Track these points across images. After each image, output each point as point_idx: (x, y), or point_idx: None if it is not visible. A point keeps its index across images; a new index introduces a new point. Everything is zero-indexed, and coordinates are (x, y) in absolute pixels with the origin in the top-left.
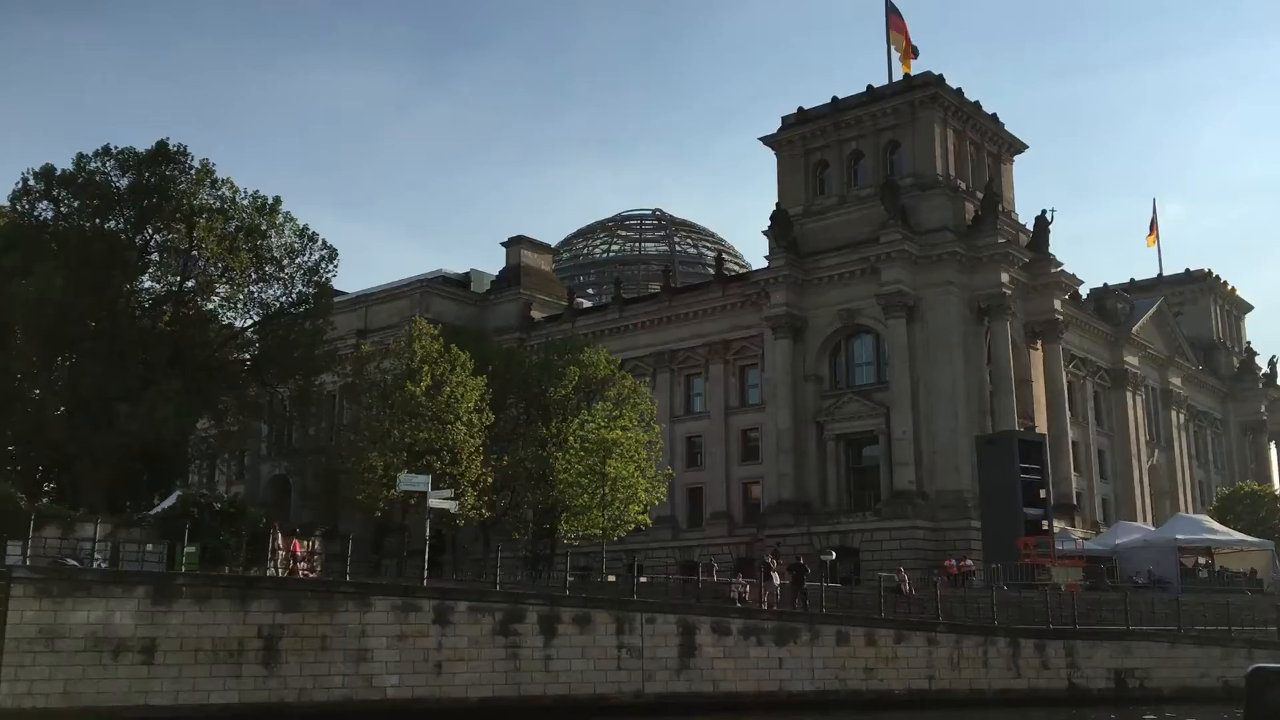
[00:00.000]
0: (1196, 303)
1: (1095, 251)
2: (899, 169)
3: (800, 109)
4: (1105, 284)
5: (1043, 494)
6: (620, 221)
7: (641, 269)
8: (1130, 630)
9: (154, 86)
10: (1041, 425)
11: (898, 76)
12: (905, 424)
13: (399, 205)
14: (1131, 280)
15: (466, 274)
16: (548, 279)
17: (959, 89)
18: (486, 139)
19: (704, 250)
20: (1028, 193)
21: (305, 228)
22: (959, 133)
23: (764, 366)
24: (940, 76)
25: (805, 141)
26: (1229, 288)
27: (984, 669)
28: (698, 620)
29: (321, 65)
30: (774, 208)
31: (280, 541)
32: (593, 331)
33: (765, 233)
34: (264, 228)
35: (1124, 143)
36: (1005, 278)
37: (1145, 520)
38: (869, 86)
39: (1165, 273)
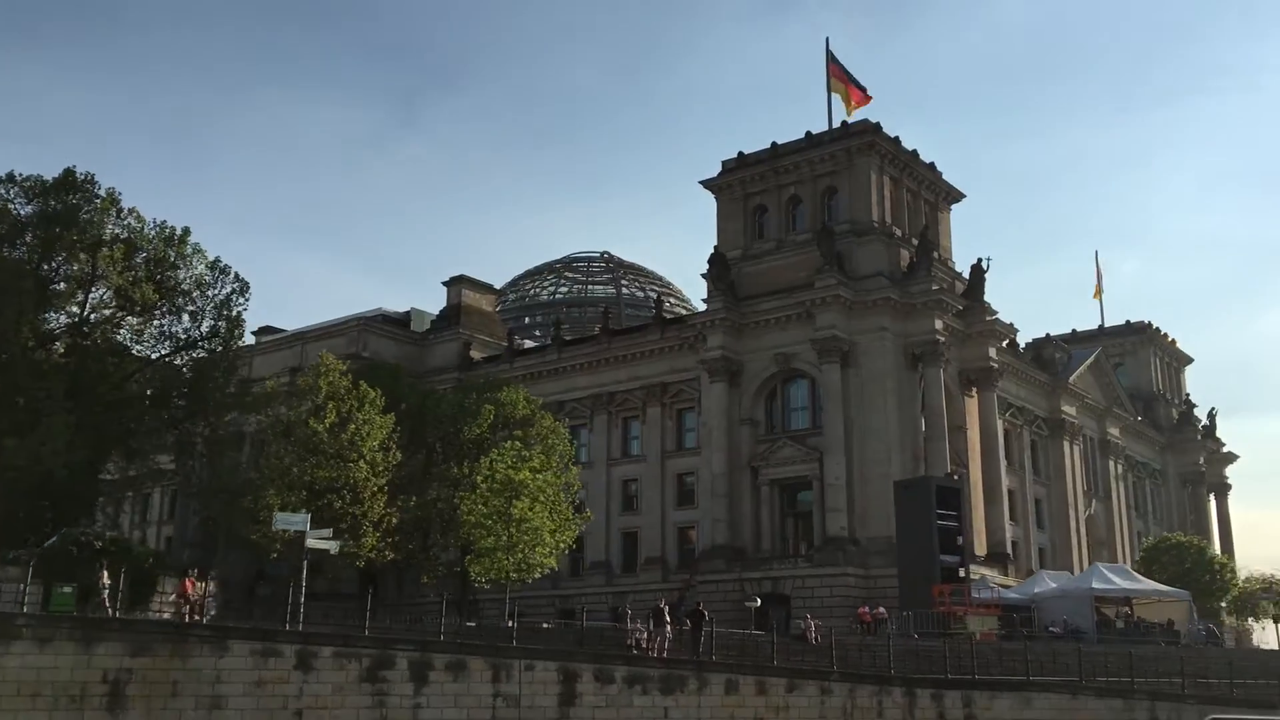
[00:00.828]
0: (1136, 354)
1: (1055, 306)
2: (836, 215)
3: (740, 154)
4: (1048, 334)
5: (960, 540)
6: (568, 264)
7: (589, 311)
8: (1030, 681)
9: (122, 113)
10: (976, 472)
11: (844, 123)
12: (838, 469)
13: (362, 241)
14: (1073, 331)
15: (407, 313)
16: (489, 319)
17: (896, 137)
18: (455, 179)
19: (651, 293)
20: (988, 246)
21: (217, 260)
22: (896, 180)
23: (700, 410)
24: (877, 125)
25: (744, 186)
26: (1169, 340)
27: (879, 719)
28: (580, 667)
29: (296, 101)
30: (712, 251)
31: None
32: (532, 373)
33: (704, 276)
34: (172, 259)
35: (1081, 197)
36: (939, 324)
37: (1082, 570)
38: (807, 133)
39: (1111, 325)
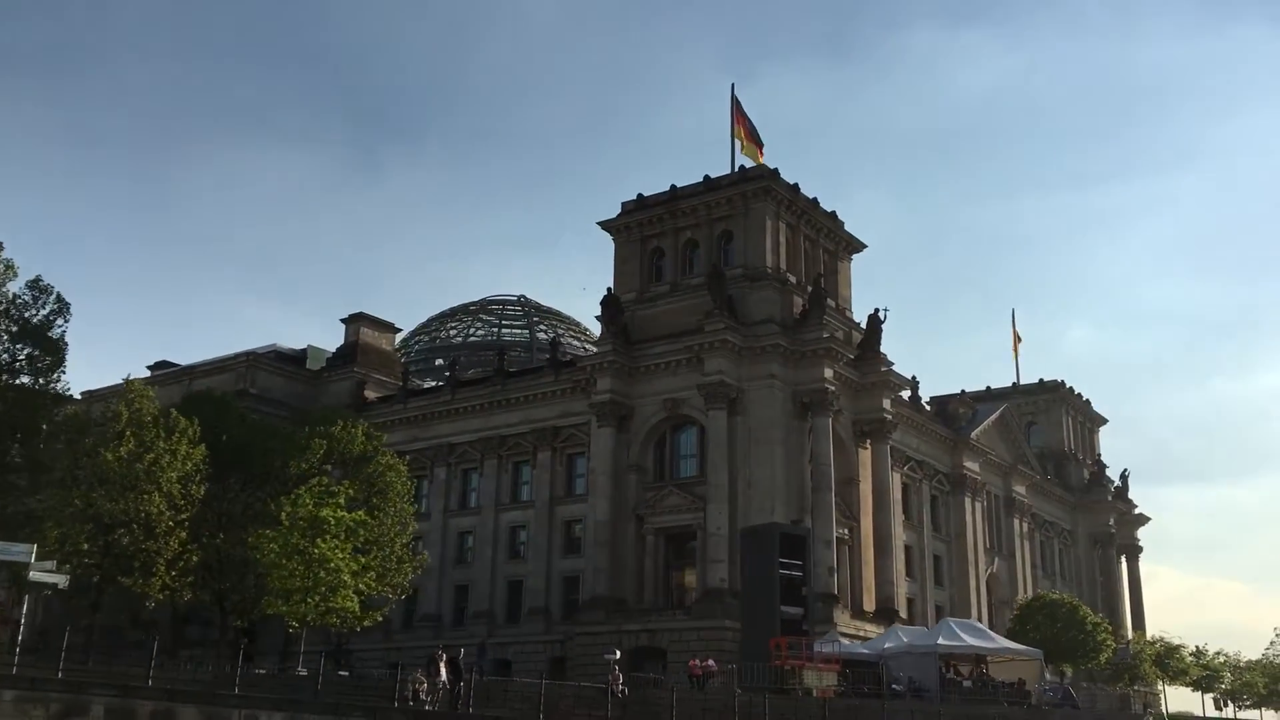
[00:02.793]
0: (1049, 413)
1: (998, 369)
2: (731, 260)
3: (640, 195)
4: (962, 390)
5: (804, 591)
6: (484, 306)
7: (506, 355)
8: None
9: (82, 154)
10: (867, 525)
11: (741, 168)
12: (721, 519)
13: (306, 286)
14: (988, 388)
15: (303, 350)
16: (388, 359)
17: (795, 184)
18: (403, 226)
19: (563, 338)
20: (938, 306)
21: (38, 279)
22: (793, 227)
23: (590, 455)
24: (774, 170)
25: (642, 228)
26: (1083, 399)
27: None
28: (311, 719)
29: (252, 149)
30: (606, 292)
31: None
32: (425, 414)
33: (597, 318)
34: None
35: (1041, 266)
36: (829, 373)
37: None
38: (706, 176)
39: (1025, 383)
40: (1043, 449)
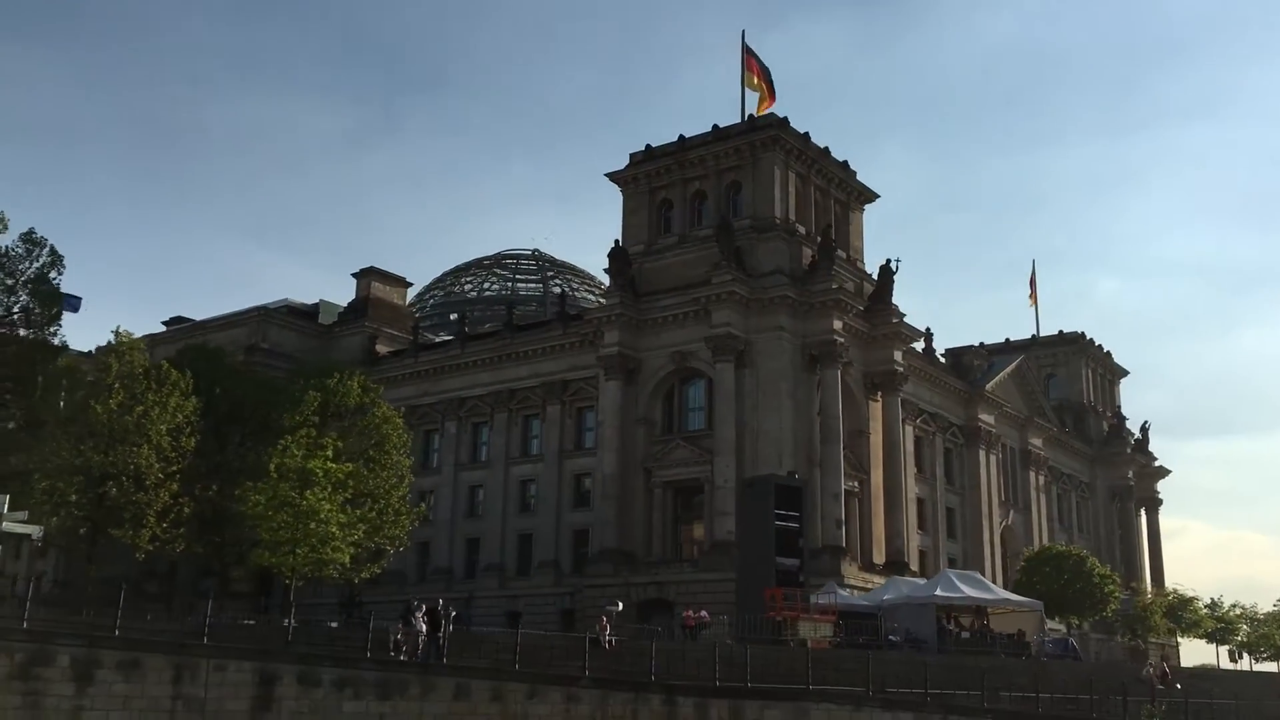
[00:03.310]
0: (1068, 365)
1: (1022, 325)
2: (739, 211)
3: (648, 146)
4: (980, 343)
5: (800, 543)
6: (498, 260)
7: (521, 309)
8: (810, 690)
9: (98, 112)
10: (877, 478)
11: (750, 118)
12: (728, 472)
13: (322, 239)
14: (1006, 340)
15: (316, 304)
16: (399, 313)
17: (805, 133)
18: (420, 181)
19: (584, 293)
20: (961, 260)
21: (30, 232)
22: (803, 177)
23: (598, 409)
24: (784, 119)
25: (650, 180)
26: (1103, 351)
27: None
28: (280, 668)
29: (274, 102)
30: (613, 245)
31: None
32: (435, 368)
33: (605, 271)
34: None
35: (1069, 218)
36: (838, 325)
37: (997, 582)
38: (714, 126)
39: (1045, 335)
40: (1062, 401)
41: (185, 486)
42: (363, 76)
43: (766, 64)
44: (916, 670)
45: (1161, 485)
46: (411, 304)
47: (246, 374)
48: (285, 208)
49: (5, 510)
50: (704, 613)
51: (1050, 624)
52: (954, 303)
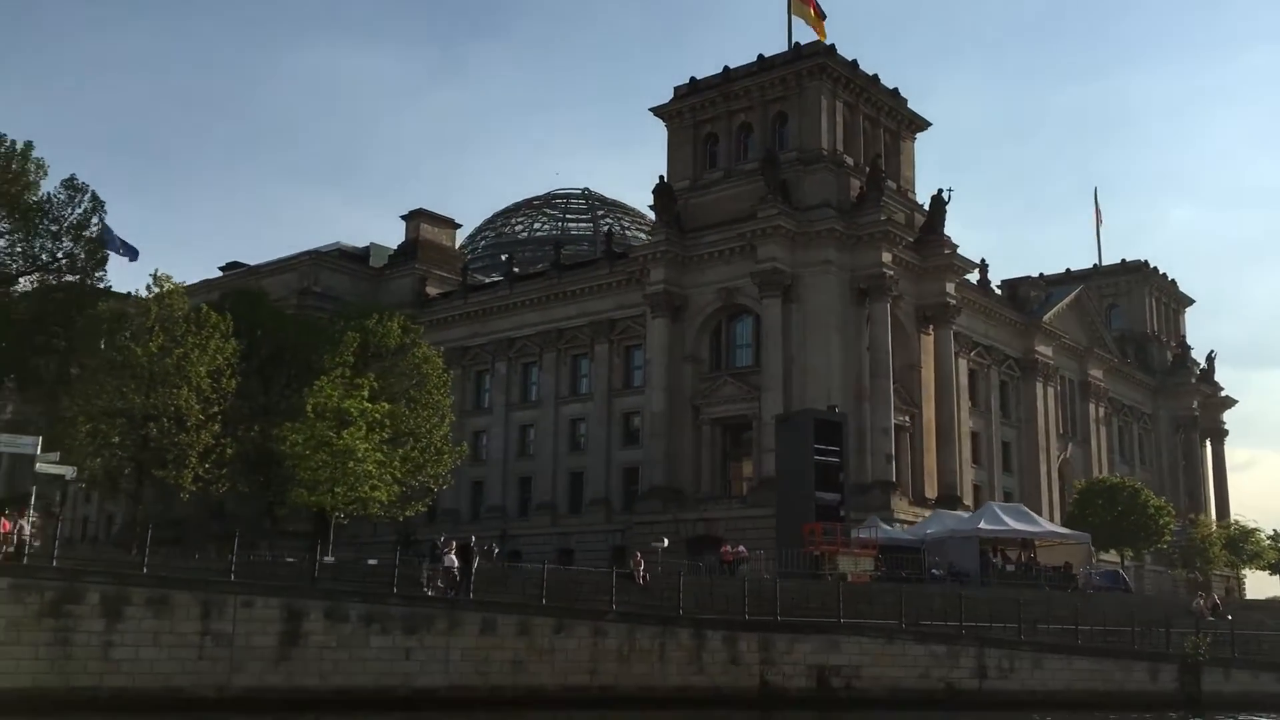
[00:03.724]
0: (1131, 295)
1: (1088, 255)
2: (786, 143)
3: (692, 79)
4: (1040, 274)
5: (841, 477)
6: (548, 200)
7: (571, 248)
8: (841, 624)
9: (156, 60)
10: (930, 413)
11: (796, 46)
12: (775, 408)
13: (380, 184)
14: (1067, 270)
15: (366, 247)
16: (449, 254)
17: (853, 60)
18: (489, 125)
19: (636, 232)
20: (1025, 191)
21: (72, 178)
22: (851, 106)
23: (646, 347)
24: (831, 46)
25: (695, 113)
26: (1168, 280)
27: (660, 664)
28: (307, 605)
29: (331, 48)
30: (658, 181)
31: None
32: (484, 309)
33: (650, 208)
34: (29, 175)
35: (1142, 145)
36: (887, 257)
37: (1053, 516)
38: (760, 56)
39: (1108, 264)
40: (1124, 332)
41: (228, 428)
42: (417, 24)
43: None
44: (955, 604)
45: (1233, 417)
46: (463, 246)
47: (289, 317)
48: (346, 153)
49: (39, 452)
50: (741, 548)
51: (1104, 557)
52: (1019, 234)
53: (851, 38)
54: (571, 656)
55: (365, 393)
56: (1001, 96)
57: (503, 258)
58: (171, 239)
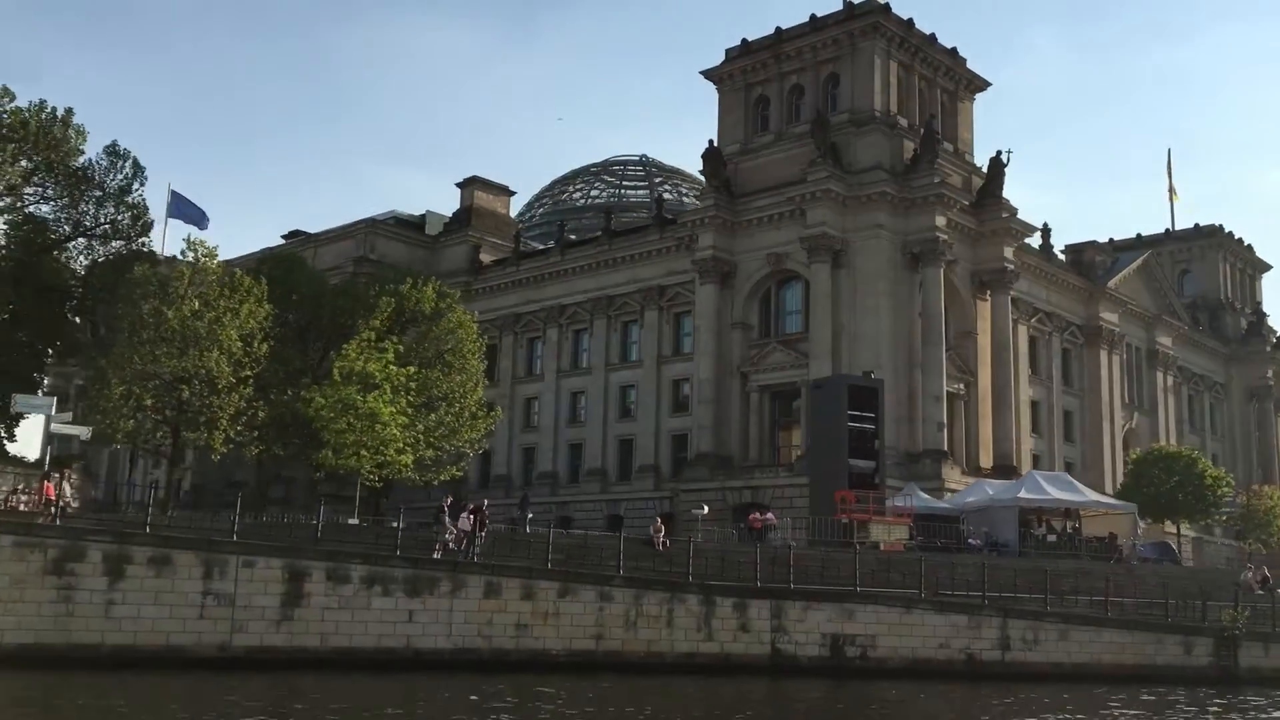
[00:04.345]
0: (1204, 260)
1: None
2: (839, 105)
3: (744, 40)
4: (1110, 239)
5: (876, 444)
6: (605, 167)
7: (624, 216)
8: (857, 592)
9: (229, 27)
10: (986, 380)
11: (849, 3)
12: (824, 375)
13: (452, 156)
14: (1138, 236)
15: (423, 215)
16: (503, 222)
17: (909, 19)
18: (566, 92)
19: (685, 197)
20: (1108, 153)
21: (114, 144)
22: (906, 66)
23: (695, 313)
24: (885, 4)
25: (746, 75)
26: (1244, 245)
27: (667, 629)
28: (309, 565)
29: (403, 22)
30: (707, 145)
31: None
32: (536, 275)
33: (700, 172)
34: (72, 141)
35: (1228, 106)
36: (941, 221)
37: (1114, 486)
38: (812, 15)
39: (1181, 229)
40: (1196, 298)
41: (261, 391)
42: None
43: None
44: (988, 573)
45: None
46: (520, 214)
47: (325, 281)
48: (415, 123)
49: (54, 412)
50: (770, 515)
51: (1163, 527)
52: (1095, 200)
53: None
54: (577, 621)
55: (390, 356)
56: (1084, 59)
57: (560, 225)
58: (243, 206)
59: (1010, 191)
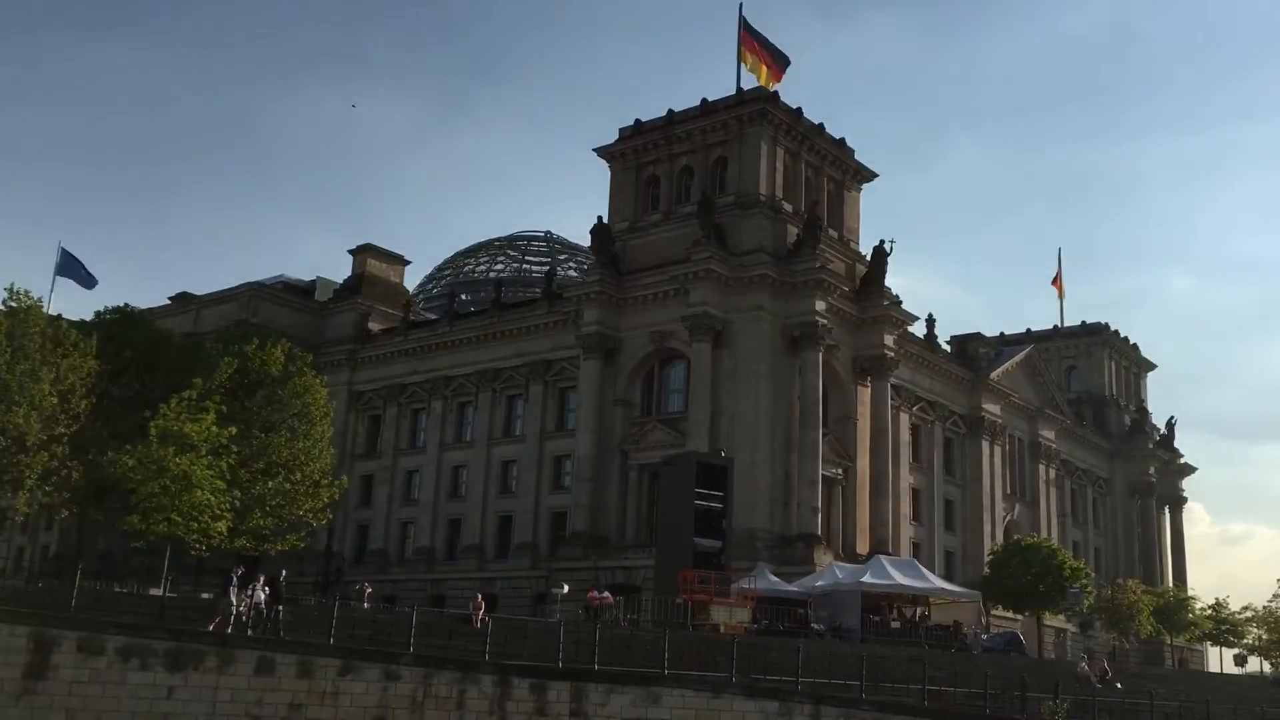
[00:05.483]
0: (1091, 356)
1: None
2: (726, 188)
3: (637, 121)
4: (1002, 333)
5: (724, 524)
6: (510, 241)
7: (521, 290)
8: (665, 675)
9: (171, 92)
10: (864, 466)
11: (740, 91)
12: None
13: (380, 228)
14: (1028, 330)
15: (313, 281)
16: (395, 290)
17: (798, 108)
18: (499, 169)
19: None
20: (1030, 255)
21: None
22: (793, 154)
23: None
24: (774, 93)
25: (638, 155)
26: (1129, 343)
27: (457, 712)
28: (59, 635)
29: (343, 90)
30: (596, 221)
31: None
32: (423, 346)
33: (588, 249)
34: None
35: (1137, 213)
36: (821, 305)
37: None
38: (703, 100)
39: (1068, 325)
40: (1082, 394)
41: (80, 451)
42: (422, 76)
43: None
44: (814, 659)
45: (1229, 490)
46: (422, 284)
47: (165, 339)
48: (332, 191)
49: None
50: (606, 594)
51: (1018, 618)
52: (1002, 295)
53: (855, 101)
54: (358, 701)
55: (211, 417)
56: (1000, 161)
57: (463, 297)
58: (144, 264)
59: (915, 284)
